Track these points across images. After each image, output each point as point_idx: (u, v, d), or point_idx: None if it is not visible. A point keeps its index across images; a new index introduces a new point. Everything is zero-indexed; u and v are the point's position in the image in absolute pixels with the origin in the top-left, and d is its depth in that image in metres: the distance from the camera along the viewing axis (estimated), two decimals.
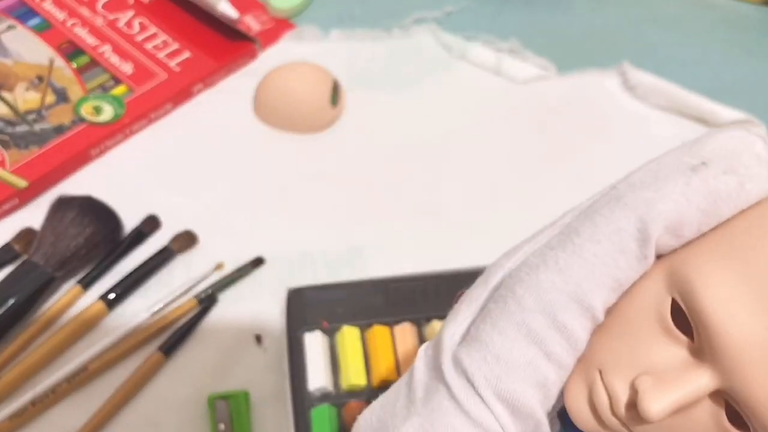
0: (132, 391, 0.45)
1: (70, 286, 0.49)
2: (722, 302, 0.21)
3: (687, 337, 0.22)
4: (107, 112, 0.57)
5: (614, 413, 0.23)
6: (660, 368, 0.22)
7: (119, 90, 0.58)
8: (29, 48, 0.60)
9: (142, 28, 0.63)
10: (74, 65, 0.60)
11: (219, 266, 0.51)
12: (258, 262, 0.51)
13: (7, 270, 0.49)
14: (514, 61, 0.62)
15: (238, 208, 0.54)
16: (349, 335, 0.45)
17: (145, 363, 0.46)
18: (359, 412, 0.42)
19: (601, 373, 0.23)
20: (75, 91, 0.58)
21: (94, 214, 0.50)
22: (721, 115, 0.59)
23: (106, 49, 0.61)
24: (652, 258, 0.23)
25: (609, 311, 0.24)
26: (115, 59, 0.60)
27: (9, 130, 0.55)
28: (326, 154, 0.57)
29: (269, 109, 0.58)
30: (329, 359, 0.45)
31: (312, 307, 0.46)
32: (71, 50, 0.61)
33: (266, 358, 0.47)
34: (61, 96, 0.58)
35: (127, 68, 0.60)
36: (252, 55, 0.62)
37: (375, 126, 0.59)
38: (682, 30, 0.67)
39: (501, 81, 0.62)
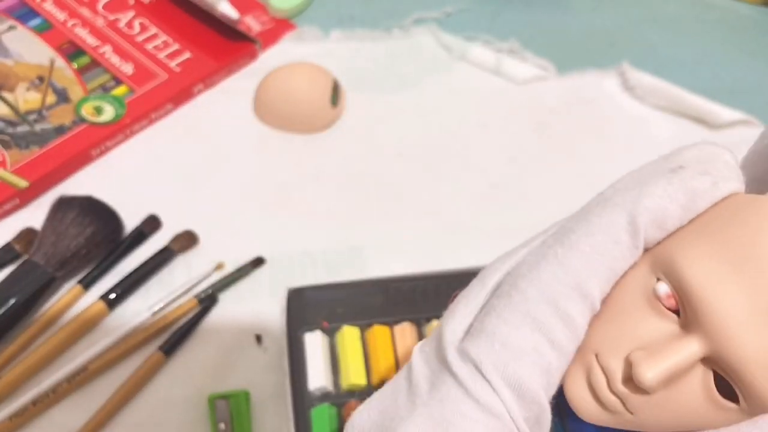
0: (132, 390, 0.45)
1: (70, 286, 0.50)
2: (702, 272, 0.23)
3: (674, 313, 0.24)
4: (108, 113, 0.57)
5: (612, 390, 0.24)
6: (651, 342, 0.24)
7: (120, 90, 0.59)
8: (30, 48, 0.60)
9: (143, 28, 0.63)
10: (75, 65, 0.60)
11: (219, 266, 0.51)
12: (258, 262, 0.51)
13: (8, 270, 0.49)
14: (513, 62, 0.63)
15: (238, 208, 0.54)
16: (349, 335, 0.45)
17: (146, 363, 0.46)
18: None
19: (597, 356, 0.25)
20: (76, 92, 0.58)
21: (95, 214, 0.50)
22: (721, 115, 0.59)
23: (107, 50, 0.61)
24: (642, 248, 0.25)
25: (603, 301, 0.26)
26: (115, 60, 0.60)
27: (10, 130, 0.56)
28: (326, 154, 0.57)
29: (269, 110, 0.58)
30: (329, 359, 0.45)
31: (312, 307, 0.47)
32: (72, 50, 0.61)
33: (266, 358, 0.47)
34: (62, 96, 0.58)
35: (128, 69, 0.60)
36: (252, 56, 0.62)
37: (375, 126, 0.59)
38: (682, 30, 0.67)
39: (501, 81, 0.62)
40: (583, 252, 0.25)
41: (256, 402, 0.46)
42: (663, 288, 0.24)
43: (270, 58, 0.62)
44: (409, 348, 0.45)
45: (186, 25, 0.63)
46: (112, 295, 0.49)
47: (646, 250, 0.25)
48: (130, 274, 0.50)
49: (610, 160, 0.57)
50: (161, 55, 0.61)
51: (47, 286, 0.48)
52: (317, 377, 0.44)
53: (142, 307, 0.49)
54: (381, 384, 0.44)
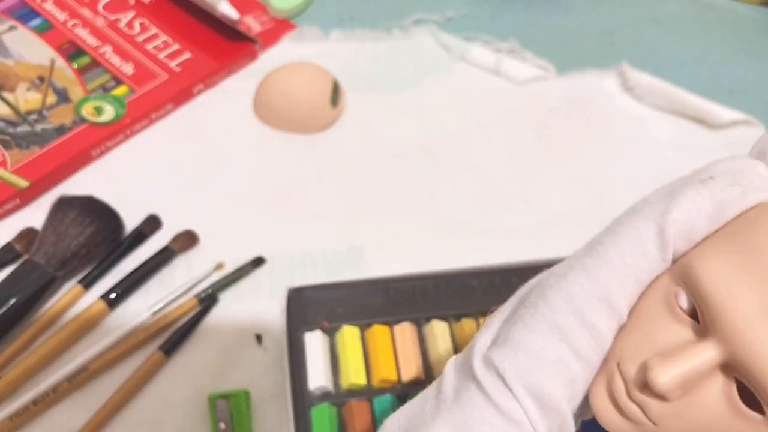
0: (133, 390, 0.45)
1: (71, 286, 0.50)
2: (716, 276, 0.23)
3: (693, 320, 0.24)
4: (108, 113, 0.57)
5: (630, 397, 0.24)
6: (669, 348, 0.24)
7: (120, 90, 0.59)
8: (30, 48, 0.60)
9: (143, 28, 0.63)
10: (75, 66, 0.60)
11: (219, 266, 0.51)
12: (258, 262, 0.51)
13: (9, 270, 0.49)
14: (513, 62, 0.63)
15: (239, 208, 0.54)
16: (349, 335, 0.45)
17: (146, 362, 0.46)
18: (359, 411, 0.43)
19: (618, 364, 0.24)
20: (76, 92, 0.58)
21: (95, 214, 0.51)
22: (720, 115, 0.59)
23: (107, 50, 0.61)
24: (670, 261, 0.25)
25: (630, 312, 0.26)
26: (116, 60, 0.60)
27: (10, 130, 0.56)
28: (326, 154, 0.57)
29: (269, 110, 0.58)
30: (329, 359, 0.45)
31: (312, 307, 0.47)
32: (72, 51, 0.61)
33: (266, 358, 0.47)
34: (62, 96, 0.58)
35: (128, 69, 0.60)
36: (252, 56, 0.62)
37: (375, 126, 0.59)
38: (682, 30, 0.67)
39: (500, 81, 0.62)
40: (611, 264, 0.25)
41: (256, 401, 0.46)
42: (681, 295, 0.24)
43: (270, 58, 0.62)
44: (409, 348, 0.45)
45: (186, 25, 0.63)
46: (113, 295, 0.49)
47: (674, 261, 0.25)
48: (131, 274, 0.50)
49: (609, 160, 0.57)
50: (161, 55, 0.61)
51: (48, 286, 0.48)
52: (317, 377, 0.44)
53: (142, 307, 0.49)
54: (381, 383, 0.44)
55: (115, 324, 0.48)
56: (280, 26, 0.65)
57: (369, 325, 0.46)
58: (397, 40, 0.65)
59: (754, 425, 0.23)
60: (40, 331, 0.47)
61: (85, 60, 0.60)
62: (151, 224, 0.52)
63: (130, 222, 0.52)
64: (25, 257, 0.49)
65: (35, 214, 0.52)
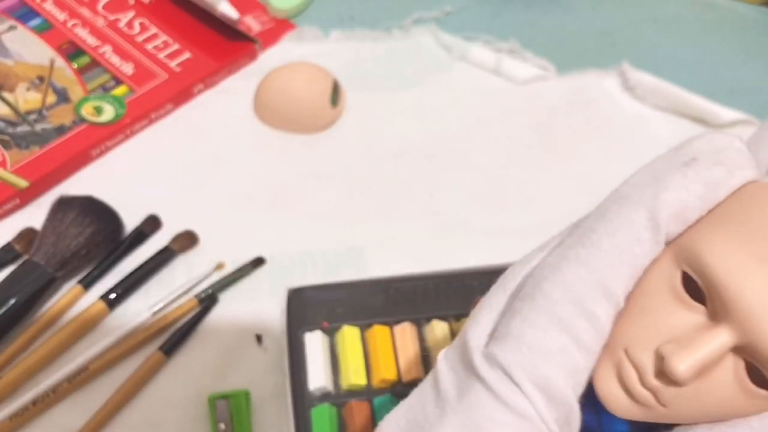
0: (132, 390, 0.45)
1: (70, 286, 0.50)
2: (729, 262, 0.23)
3: (701, 304, 0.24)
4: (108, 113, 0.57)
5: (644, 385, 0.24)
6: (680, 335, 0.24)
7: (120, 90, 0.59)
8: (30, 48, 0.60)
9: (143, 28, 0.63)
10: (75, 66, 0.60)
11: (219, 266, 0.51)
12: (258, 262, 0.51)
13: (8, 270, 0.49)
14: (513, 62, 0.63)
15: (239, 208, 0.54)
16: (349, 335, 0.45)
17: (146, 363, 0.46)
18: (359, 412, 0.43)
19: (626, 351, 0.25)
20: (76, 92, 0.58)
21: (95, 214, 0.51)
22: (721, 115, 0.59)
23: (107, 50, 0.61)
24: (663, 244, 0.25)
25: (626, 298, 0.26)
26: (115, 60, 0.60)
27: (10, 130, 0.56)
28: (326, 154, 0.57)
29: (269, 109, 0.58)
30: (329, 359, 0.45)
31: (312, 307, 0.47)
32: (72, 51, 0.61)
33: (266, 358, 0.47)
34: (62, 96, 0.58)
35: (128, 69, 0.60)
36: (252, 56, 0.62)
37: (375, 126, 0.59)
38: (682, 30, 0.67)
39: (501, 81, 0.62)
40: (605, 251, 0.25)
41: (256, 402, 0.46)
42: (687, 278, 0.25)
43: (270, 58, 0.62)
44: (409, 348, 0.45)
45: (186, 25, 0.63)
46: (113, 295, 0.49)
47: (668, 243, 0.26)
48: (131, 274, 0.50)
49: (610, 160, 0.57)
50: (161, 55, 0.61)
51: (47, 286, 0.48)
52: (317, 377, 0.44)
53: (142, 307, 0.49)
54: (381, 384, 0.44)
55: (115, 324, 0.48)
56: (280, 26, 0.65)
57: (369, 325, 0.46)
58: (397, 40, 0.65)
59: (761, 402, 0.24)
60: (40, 331, 0.47)
61: (84, 60, 0.60)
62: (151, 224, 0.52)
63: (130, 222, 0.52)
64: (25, 257, 0.49)
65: (35, 214, 0.52)
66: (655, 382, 0.24)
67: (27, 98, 0.57)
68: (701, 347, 0.23)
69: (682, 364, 0.23)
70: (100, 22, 0.63)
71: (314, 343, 0.45)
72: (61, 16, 0.63)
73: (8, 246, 0.50)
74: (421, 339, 0.46)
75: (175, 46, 0.62)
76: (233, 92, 0.60)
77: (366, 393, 0.44)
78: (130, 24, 0.63)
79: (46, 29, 0.62)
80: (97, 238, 0.50)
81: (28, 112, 0.57)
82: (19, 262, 0.49)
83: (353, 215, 0.54)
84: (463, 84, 0.62)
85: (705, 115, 0.59)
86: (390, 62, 0.63)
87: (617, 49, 0.64)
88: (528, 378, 0.24)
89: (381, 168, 0.57)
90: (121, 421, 0.45)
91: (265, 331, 0.48)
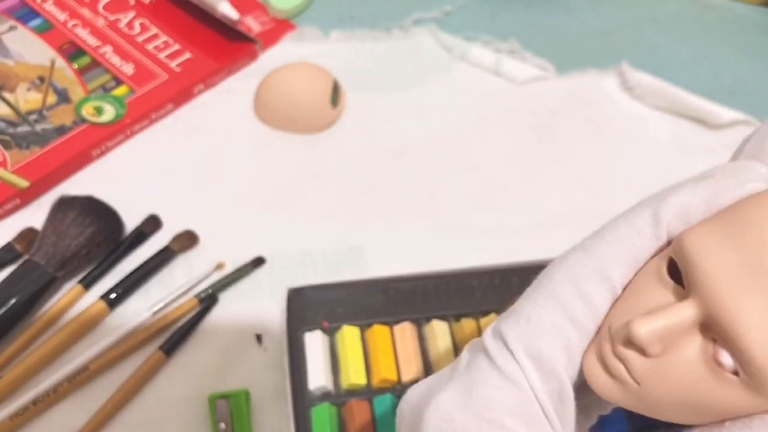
0: (133, 390, 0.46)
1: (71, 286, 0.50)
2: (698, 238, 0.25)
3: (680, 286, 0.25)
4: (108, 113, 0.57)
5: (615, 353, 0.25)
6: (653, 309, 0.25)
7: (120, 90, 0.59)
8: (30, 49, 0.61)
9: (143, 29, 0.63)
10: (75, 66, 0.60)
11: (219, 266, 0.51)
12: (258, 262, 0.51)
13: (9, 270, 0.49)
14: (513, 62, 0.63)
15: (239, 208, 0.54)
16: (349, 335, 0.45)
17: (146, 362, 0.46)
18: (359, 411, 0.43)
19: (609, 329, 0.26)
20: (76, 92, 0.58)
21: (96, 214, 0.51)
22: (720, 115, 0.59)
23: (107, 50, 0.61)
24: (664, 239, 0.27)
25: (624, 288, 0.27)
26: (116, 60, 0.60)
27: (10, 130, 0.56)
28: (326, 154, 0.57)
29: (269, 110, 0.58)
30: (329, 359, 0.45)
31: (312, 307, 0.47)
32: (72, 51, 0.61)
33: (267, 358, 0.47)
34: (63, 96, 0.58)
35: (128, 69, 0.60)
36: (253, 56, 0.62)
37: (375, 126, 0.59)
38: (682, 30, 0.67)
39: (500, 81, 0.62)
40: (607, 241, 0.27)
41: (257, 401, 0.46)
42: (671, 262, 0.26)
43: (270, 59, 0.62)
44: (409, 347, 0.45)
45: (186, 25, 0.63)
46: (113, 295, 0.49)
47: (669, 242, 0.27)
48: (131, 274, 0.50)
49: (609, 160, 0.57)
50: (162, 56, 0.61)
51: (48, 286, 0.48)
52: (317, 377, 0.44)
53: (142, 307, 0.49)
54: (381, 383, 0.44)
55: (115, 324, 0.48)
56: (280, 26, 0.65)
57: (369, 325, 0.46)
58: (397, 40, 0.65)
59: (731, 387, 0.24)
60: (41, 331, 0.47)
61: (85, 60, 0.60)
62: (151, 224, 0.52)
63: (130, 222, 0.52)
64: (26, 257, 0.49)
65: (35, 214, 0.52)
66: (622, 351, 0.25)
67: (27, 98, 0.58)
68: (665, 316, 0.24)
69: (642, 328, 0.24)
70: (100, 23, 0.63)
71: (314, 342, 0.45)
72: (61, 16, 0.63)
73: (9, 246, 0.50)
74: (421, 339, 0.46)
75: (176, 47, 0.62)
76: (233, 92, 0.60)
77: (366, 393, 0.44)
78: (130, 24, 0.63)
79: (46, 29, 0.62)
80: (97, 238, 0.50)
81: (29, 113, 0.57)
82: (20, 262, 0.49)
83: (353, 215, 0.54)
84: (463, 84, 0.62)
85: (704, 116, 0.59)
86: (390, 62, 0.63)
87: (617, 49, 0.64)
88: (523, 349, 0.26)
89: (381, 168, 0.57)
90: (122, 421, 0.45)
91: (265, 330, 0.48)
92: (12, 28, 0.62)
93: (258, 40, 0.63)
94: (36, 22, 0.62)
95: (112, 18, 0.63)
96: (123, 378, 0.46)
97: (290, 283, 0.48)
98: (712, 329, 0.24)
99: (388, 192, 0.55)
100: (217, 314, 0.49)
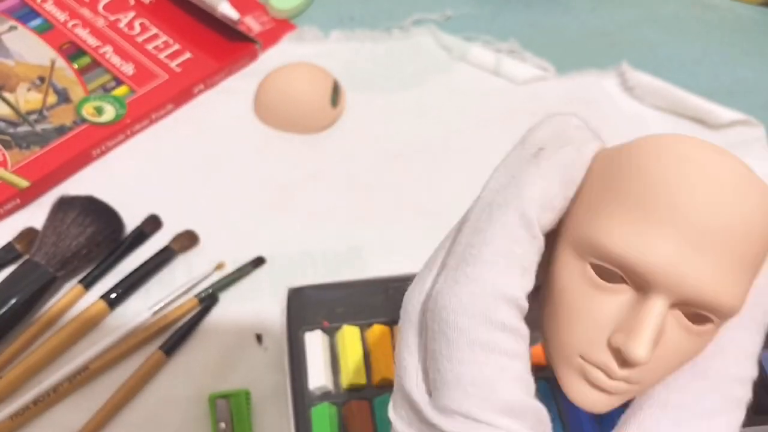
0: (133, 390, 0.46)
1: (71, 286, 0.50)
2: (628, 240, 0.24)
3: (622, 284, 0.25)
4: (109, 113, 0.57)
5: (614, 378, 0.25)
6: (620, 320, 0.25)
7: (120, 90, 0.59)
8: (31, 49, 0.61)
9: (143, 29, 0.63)
10: (75, 66, 0.60)
11: (220, 266, 0.51)
12: (258, 261, 0.51)
13: (9, 270, 0.49)
14: (513, 62, 0.63)
15: (239, 208, 0.54)
16: (349, 334, 0.45)
17: (146, 362, 0.46)
18: (359, 411, 0.43)
19: (583, 357, 0.25)
20: (76, 92, 0.58)
21: (96, 214, 0.51)
22: (720, 115, 0.59)
23: (108, 50, 0.61)
24: (541, 237, 0.26)
25: (545, 303, 0.27)
26: (116, 60, 0.60)
27: (11, 130, 0.56)
28: (326, 154, 0.57)
29: (270, 110, 0.58)
30: (329, 358, 0.45)
31: (312, 307, 0.47)
32: (73, 51, 0.61)
33: (267, 357, 0.47)
34: (63, 96, 0.58)
35: (129, 69, 0.60)
36: (253, 56, 0.62)
37: (375, 126, 0.59)
38: (682, 30, 0.67)
39: (500, 81, 0.62)
40: (488, 262, 0.25)
41: (257, 401, 0.46)
42: (596, 266, 0.25)
43: (270, 59, 0.62)
44: None
45: (186, 25, 0.63)
46: (113, 295, 0.49)
47: (548, 235, 0.26)
48: (131, 274, 0.50)
49: None
50: (162, 56, 0.61)
51: (48, 286, 0.48)
52: (317, 376, 0.44)
53: (142, 307, 0.49)
54: (381, 383, 0.44)
55: (116, 324, 0.48)
56: (280, 26, 0.65)
57: (369, 325, 0.46)
58: (397, 40, 0.65)
59: (708, 336, 0.25)
60: (41, 331, 0.48)
61: (85, 60, 0.60)
62: (152, 224, 0.52)
63: (131, 222, 0.52)
64: (26, 257, 0.49)
65: (35, 214, 0.52)
66: (623, 372, 0.25)
67: (28, 98, 0.58)
68: (647, 325, 0.24)
69: (639, 349, 0.24)
70: (100, 23, 0.63)
71: (314, 342, 0.45)
72: (61, 16, 0.63)
73: (9, 246, 0.50)
74: None
75: (176, 47, 0.62)
76: (233, 92, 0.60)
77: (366, 393, 0.44)
78: (130, 24, 0.63)
79: (46, 30, 0.62)
80: (97, 237, 0.50)
81: (29, 113, 0.57)
82: (20, 261, 0.49)
83: (353, 215, 0.54)
84: (463, 84, 0.62)
85: (704, 116, 0.59)
86: (390, 62, 0.63)
87: (616, 49, 0.64)
88: (490, 410, 0.24)
89: (381, 168, 0.57)
90: (122, 421, 0.45)
91: (265, 330, 0.48)
92: (12, 28, 0.62)
93: (258, 40, 0.63)
94: (36, 22, 0.62)
95: (112, 18, 0.63)
96: (123, 378, 0.46)
97: (290, 283, 0.48)
98: (679, 304, 0.24)
99: (388, 192, 0.55)
100: (218, 314, 0.49)
